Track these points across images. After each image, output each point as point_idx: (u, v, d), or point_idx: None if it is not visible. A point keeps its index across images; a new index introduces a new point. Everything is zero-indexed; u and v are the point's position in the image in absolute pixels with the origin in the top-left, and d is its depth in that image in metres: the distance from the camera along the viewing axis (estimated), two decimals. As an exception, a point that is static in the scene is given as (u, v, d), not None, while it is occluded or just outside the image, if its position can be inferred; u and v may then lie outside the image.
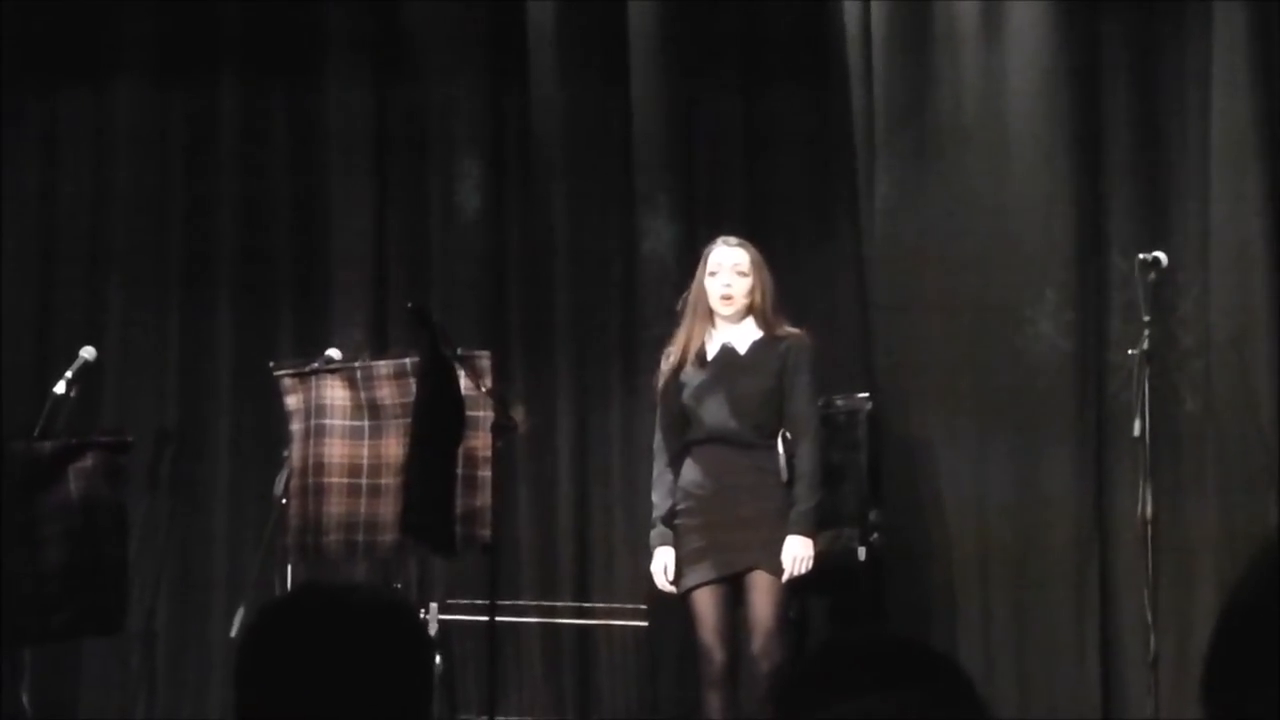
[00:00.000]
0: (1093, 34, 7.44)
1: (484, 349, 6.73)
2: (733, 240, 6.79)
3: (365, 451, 6.69)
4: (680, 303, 6.80)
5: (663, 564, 6.63)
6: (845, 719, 1.47)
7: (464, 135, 8.24)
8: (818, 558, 6.53)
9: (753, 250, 6.75)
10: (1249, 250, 7.12)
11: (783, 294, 6.83)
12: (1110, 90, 7.43)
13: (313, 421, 6.71)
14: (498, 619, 6.37)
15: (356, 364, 6.84)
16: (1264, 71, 7.15)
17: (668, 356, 6.77)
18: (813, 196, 7.92)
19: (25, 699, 7.03)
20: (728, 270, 6.70)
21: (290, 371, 6.82)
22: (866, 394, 7.39)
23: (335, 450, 6.69)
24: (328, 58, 8.36)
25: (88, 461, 6.11)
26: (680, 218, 7.89)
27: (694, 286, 6.75)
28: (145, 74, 8.42)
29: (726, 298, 6.68)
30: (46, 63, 8.38)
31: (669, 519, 6.64)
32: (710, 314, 6.71)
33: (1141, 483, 6.61)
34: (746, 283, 6.69)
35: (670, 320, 6.90)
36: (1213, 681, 1.65)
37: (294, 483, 6.73)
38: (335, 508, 6.66)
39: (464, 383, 6.19)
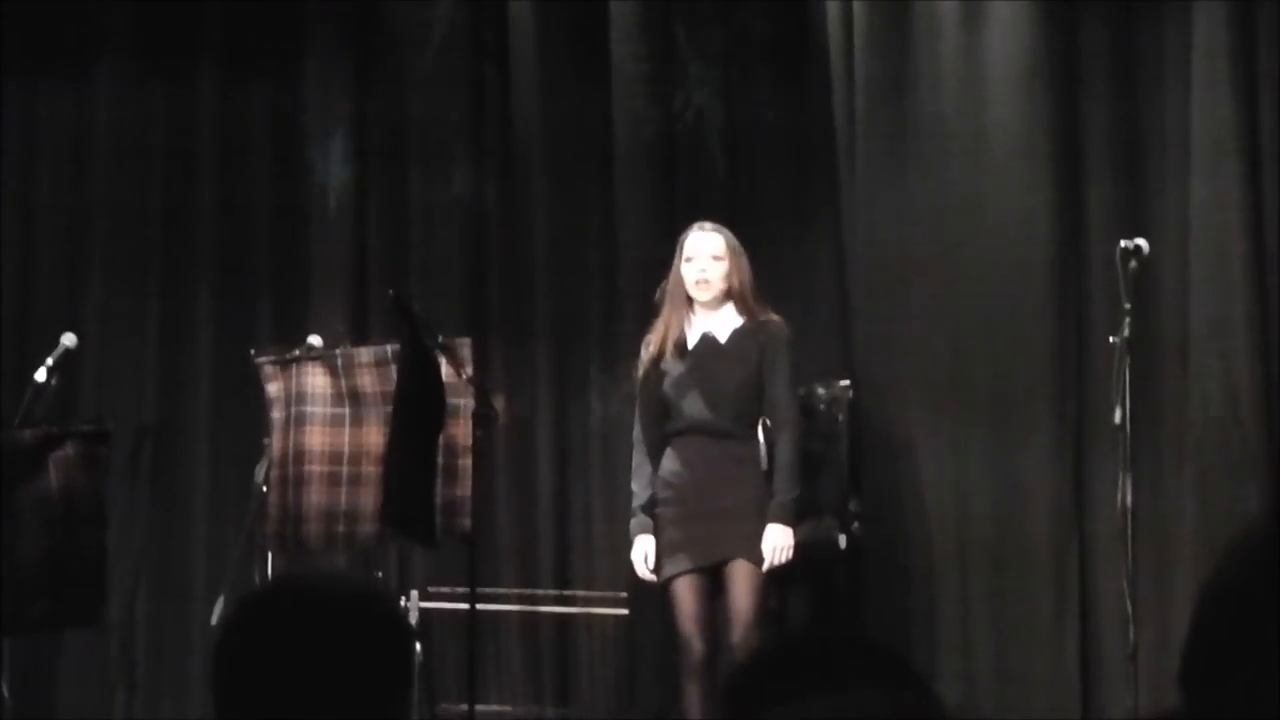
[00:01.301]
0: (1072, 27, 7.45)
1: (464, 336, 6.73)
2: (708, 226, 6.78)
3: (346, 440, 6.68)
4: (659, 292, 6.79)
5: (643, 552, 6.63)
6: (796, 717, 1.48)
7: (445, 124, 8.24)
8: (798, 547, 6.54)
9: (728, 235, 6.75)
10: (1228, 239, 7.13)
11: (762, 284, 6.83)
12: (1090, 83, 7.44)
13: (293, 409, 6.70)
14: (478, 608, 6.37)
15: (338, 351, 6.82)
16: (1242, 62, 7.15)
17: (647, 345, 6.76)
18: (792, 187, 7.92)
19: (5, 689, 7.02)
20: (703, 256, 6.69)
21: (271, 359, 6.80)
22: (847, 382, 7.40)
23: (316, 438, 6.68)
24: (308, 49, 8.36)
25: (68, 451, 6.10)
26: (660, 207, 7.89)
27: (671, 275, 6.75)
28: (125, 67, 8.41)
29: (703, 283, 6.67)
30: (26, 57, 8.36)
31: (649, 508, 6.64)
32: (689, 302, 6.71)
33: (1121, 472, 6.62)
34: (723, 267, 6.69)
35: (649, 310, 6.89)
36: (1190, 671, 1.65)
37: (274, 472, 6.71)
38: (316, 497, 6.65)
39: (445, 371, 6.18)
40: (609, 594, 7.69)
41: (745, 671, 2.10)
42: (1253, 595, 1.63)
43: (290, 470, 6.67)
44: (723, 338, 6.69)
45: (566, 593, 7.92)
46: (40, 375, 6.88)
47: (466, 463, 6.40)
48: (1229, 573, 1.66)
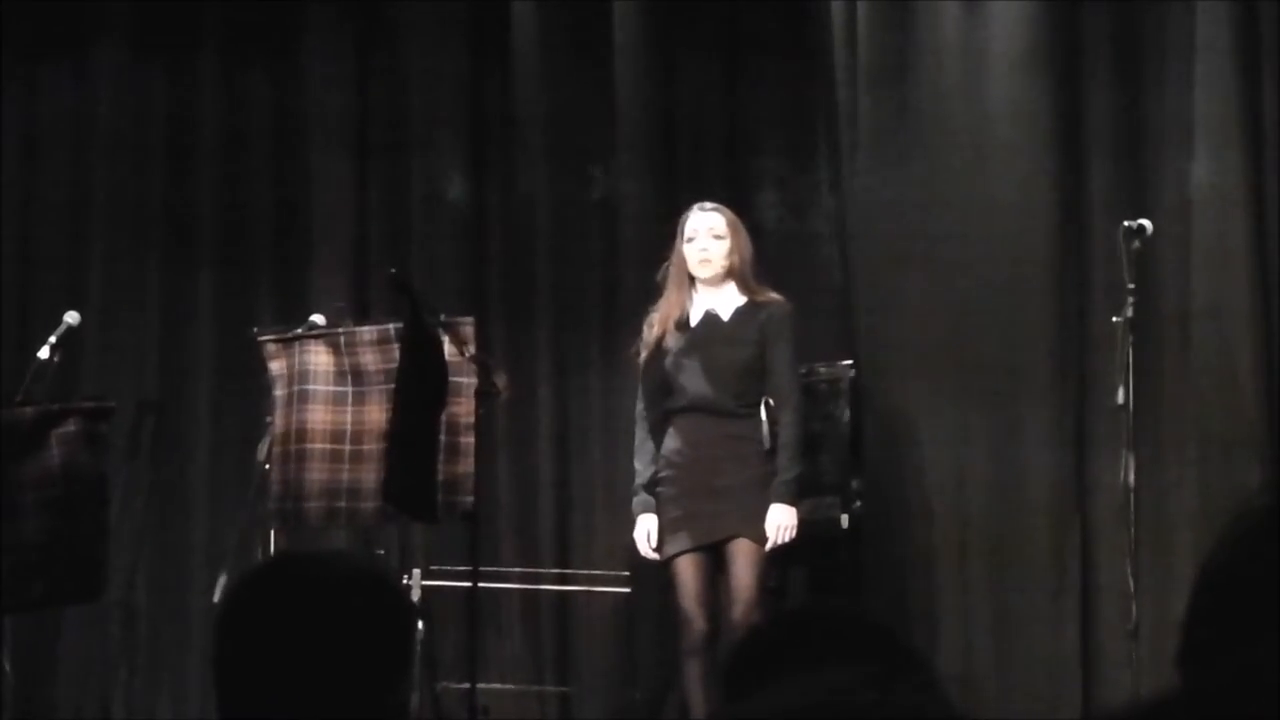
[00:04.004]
0: (1073, 10, 7.44)
1: (466, 315, 6.73)
2: (708, 205, 6.79)
3: (348, 418, 6.67)
4: (661, 273, 6.80)
5: (645, 531, 6.64)
6: (795, 691, 1.48)
7: (445, 105, 8.23)
8: (800, 526, 6.54)
9: (729, 213, 6.75)
10: (1230, 220, 7.13)
11: (764, 264, 6.83)
12: (1091, 65, 7.43)
13: (295, 387, 6.70)
14: (479, 586, 6.37)
15: (340, 330, 6.82)
16: (1244, 43, 7.15)
17: (650, 324, 6.77)
18: (795, 167, 7.92)
19: (7, 666, 7.02)
20: (704, 234, 6.70)
21: (273, 337, 6.81)
22: (849, 362, 7.40)
23: (318, 416, 6.68)
24: (310, 32, 8.35)
25: (70, 428, 6.08)
26: (661, 188, 7.89)
27: (673, 255, 6.76)
28: (126, 47, 8.40)
29: (705, 261, 6.67)
30: (27, 36, 8.35)
31: (651, 486, 6.65)
32: (691, 281, 6.71)
33: (1123, 452, 6.62)
34: (724, 245, 6.69)
35: (650, 292, 6.89)
36: (1188, 649, 1.65)
37: (276, 449, 6.71)
38: (317, 474, 6.65)
39: (447, 349, 6.18)
40: (609, 572, 7.70)
41: (744, 649, 2.10)
42: (1251, 574, 1.63)
43: (292, 447, 6.67)
44: (725, 316, 6.70)
45: (567, 571, 7.93)
46: (43, 353, 6.88)
47: (468, 440, 6.39)
48: (1227, 551, 1.66)
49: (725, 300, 6.71)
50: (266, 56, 8.40)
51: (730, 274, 6.70)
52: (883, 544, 7.40)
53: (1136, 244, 6.70)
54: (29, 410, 6.17)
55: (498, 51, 8.19)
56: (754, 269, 6.74)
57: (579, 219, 8.09)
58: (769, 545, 6.47)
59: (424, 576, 7.41)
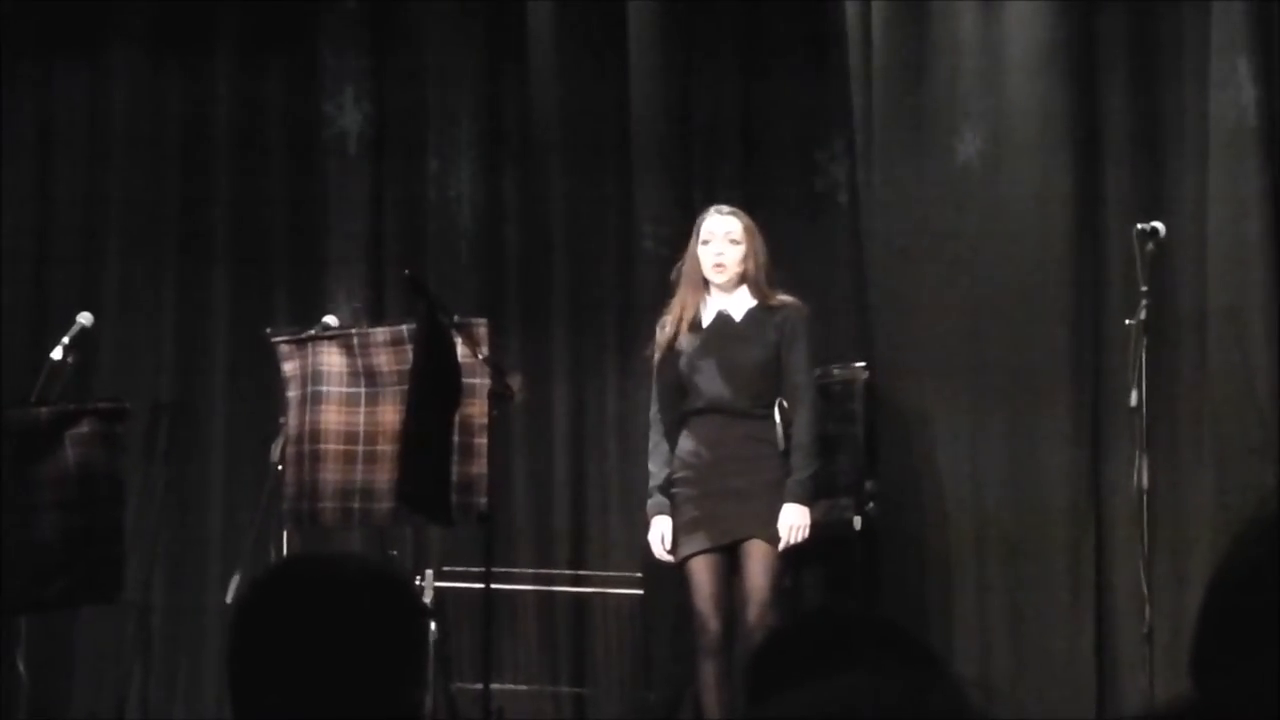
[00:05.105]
0: (1090, 11, 7.43)
1: (480, 317, 6.73)
2: (725, 208, 6.78)
3: (362, 419, 6.68)
4: (675, 272, 6.79)
5: (660, 533, 6.64)
6: (816, 695, 1.48)
7: (461, 105, 8.23)
8: (814, 528, 6.54)
9: (745, 218, 6.75)
10: (1245, 220, 7.12)
11: (779, 266, 6.82)
12: (1108, 67, 7.42)
13: (309, 388, 6.71)
14: (493, 587, 6.38)
15: (354, 331, 6.84)
16: (1261, 39, 7.13)
17: (663, 326, 6.77)
18: (809, 165, 7.91)
19: (21, 666, 7.03)
20: (720, 239, 6.69)
21: (287, 338, 6.82)
22: (863, 364, 7.40)
23: (332, 417, 6.69)
24: (324, 33, 8.34)
25: (85, 428, 6.09)
26: (677, 191, 7.88)
27: (687, 256, 6.75)
28: (141, 47, 8.40)
29: (719, 266, 6.67)
30: (42, 34, 8.37)
31: (666, 488, 6.65)
32: (705, 283, 6.71)
33: (1138, 454, 6.61)
34: (739, 250, 6.69)
35: (665, 291, 6.89)
36: (1201, 654, 1.65)
37: (290, 450, 6.73)
38: (331, 475, 6.66)
39: (460, 350, 6.18)
40: (624, 574, 7.70)
41: (764, 652, 2.10)
42: (1264, 580, 1.62)
43: (306, 448, 6.68)
44: (738, 317, 6.69)
45: (582, 572, 7.92)
46: (56, 354, 6.89)
47: (482, 441, 6.40)
48: (1240, 557, 1.66)
49: (738, 303, 6.71)
50: (281, 57, 8.40)
51: (744, 279, 6.70)
52: (897, 545, 7.40)
53: (1150, 246, 6.69)
54: (44, 411, 6.18)
55: (513, 51, 8.19)
56: (768, 274, 6.73)
57: (595, 222, 8.08)
58: (782, 545, 6.47)
59: (438, 577, 7.41)
